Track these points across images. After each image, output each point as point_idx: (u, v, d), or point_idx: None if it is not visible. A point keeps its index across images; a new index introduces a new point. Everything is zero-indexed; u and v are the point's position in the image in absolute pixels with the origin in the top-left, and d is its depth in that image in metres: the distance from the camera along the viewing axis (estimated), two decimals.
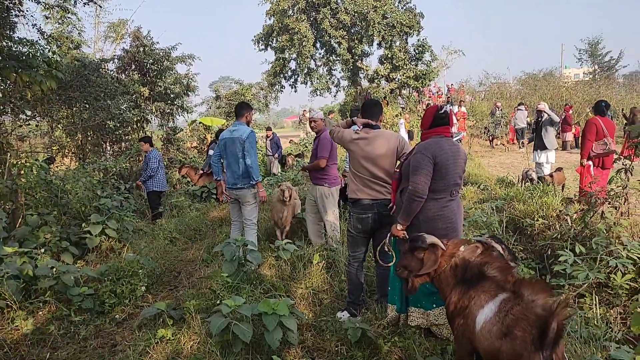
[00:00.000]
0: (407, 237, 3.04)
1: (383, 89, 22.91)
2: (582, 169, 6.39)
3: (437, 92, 25.20)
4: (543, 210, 6.03)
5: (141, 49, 13.15)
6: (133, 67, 13.38)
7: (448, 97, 22.92)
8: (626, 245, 4.23)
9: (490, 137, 17.85)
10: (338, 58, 23.41)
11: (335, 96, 26.47)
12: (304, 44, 21.69)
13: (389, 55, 21.92)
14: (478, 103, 24.21)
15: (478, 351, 2.07)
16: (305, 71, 24.13)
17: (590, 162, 6.31)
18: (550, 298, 1.84)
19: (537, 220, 5.76)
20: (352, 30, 22.88)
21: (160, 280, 5.10)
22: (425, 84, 22.20)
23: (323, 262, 4.65)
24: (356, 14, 21.40)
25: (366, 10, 20.98)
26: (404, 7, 22.45)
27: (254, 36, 24.06)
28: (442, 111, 3.21)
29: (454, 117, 16.88)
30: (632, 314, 1.27)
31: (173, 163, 12.82)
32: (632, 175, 4.90)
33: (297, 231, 6.30)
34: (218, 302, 3.49)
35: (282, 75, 24.58)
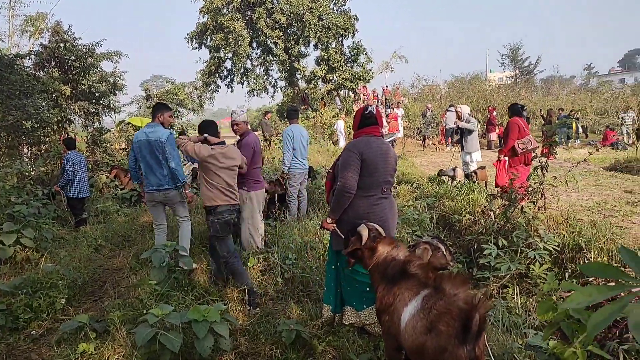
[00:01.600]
0: (338, 231, 3.11)
1: (320, 90, 23.09)
2: (499, 163, 6.80)
3: (373, 94, 25.84)
4: (470, 206, 6.32)
5: (62, 45, 12.25)
6: (53, 63, 12.41)
7: (385, 99, 23.52)
8: (543, 237, 4.55)
9: (423, 138, 18.56)
10: (275, 58, 23.24)
11: (272, 97, 26.28)
12: (239, 43, 21.31)
13: (325, 57, 22.12)
14: (411, 105, 25.08)
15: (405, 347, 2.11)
16: (241, 71, 23.70)
17: (506, 158, 6.74)
18: (471, 291, 1.91)
19: (465, 216, 6.03)
20: (289, 31, 22.83)
21: (83, 292, 4.76)
22: (359, 85, 22.65)
23: (259, 264, 4.57)
24: (292, 15, 21.39)
25: (302, 11, 21.03)
26: (339, 10, 22.76)
27: (187, 34, 23.28)
28: (367, 112, 3.34)
29: (384, 119, 17.45)
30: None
31: (99, 166, 12.07)
32: (547, 172, 5.27)
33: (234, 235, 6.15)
34: (145, 311, 3.30)
35: (217, 75, 23.97)
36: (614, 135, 16.58)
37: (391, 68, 24.89)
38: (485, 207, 5.83)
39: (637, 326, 0.81)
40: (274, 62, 23.74)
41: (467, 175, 8.15)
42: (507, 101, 24.05)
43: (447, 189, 7.56)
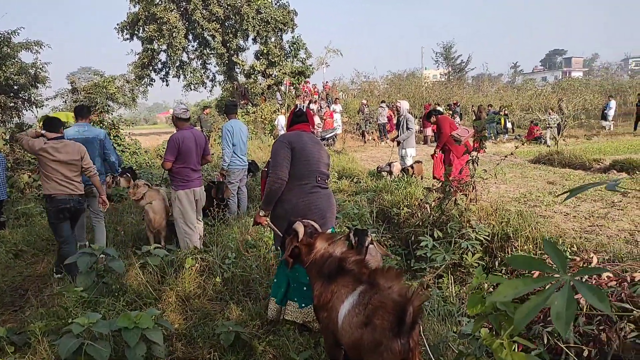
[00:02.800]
0: (271, 225, 3.09)
1: (260, 84, 22.80)
2: (436, 158, 7.07)
3: (314, 89, 25.93)
4: (407, 200, 6.49)
5: None
6: None
7: (326, 94, 23.65)
8: (475, 228, 4.75)
9: (362, 133, 18.91)
10: (212, 52, 22.64)
11: (211, 91, 25.62)
12: (174, 35, 20.52)
13: (265, 51, 21.88)
14: (351, 100, 25.44)
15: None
16: (177, 64, 22.86)
17: (442, 153, 7.02)
18: (405, 284, 1.93)
19: (403, 209, 6.18)
20: (227, 24, 22.31)
21: (0, 302, 4.36)
22: (301, 81, 22.61)
23: (197, 265, 4.40)
24: (229, 7, 20.91)
25: (239, 4, 20.61)
26: (278, 4, 22.56)
27: (118, 24, 22.08)
28: (298, 110, 3.45)
29: (317, 117, 17.64)
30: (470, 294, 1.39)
31: (20, 165, 11.12)
32: (478, 165, 5.52)
33: (171, 235, 5.90)
34: (70, 320, 3.07)
35: (151, 68, 22.95)
36: (537, 130, 17.75)
37: (326, 63, 25.07)
38: (421, 200, 6.01)
39: (559, 316, 0.82)
40: (211, 55, 23.13)
41: (404, 170, 8.38)
42: (441, 97, 25.08)
43: (386, 183, 7.73)
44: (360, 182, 8.65)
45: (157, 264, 4.29)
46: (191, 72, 23.30)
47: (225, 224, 5.76)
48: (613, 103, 20.25)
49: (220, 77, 24.70)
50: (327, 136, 16.56)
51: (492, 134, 17.94)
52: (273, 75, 22.35)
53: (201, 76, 23.68)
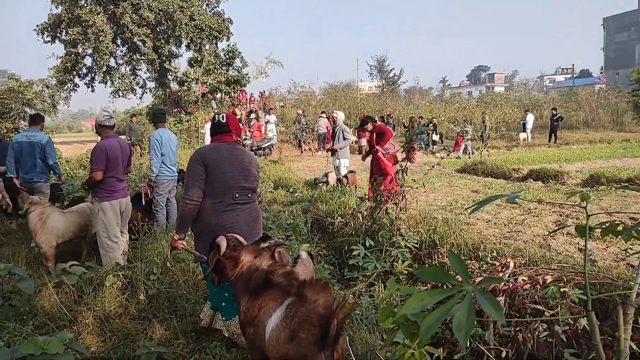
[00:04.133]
0: (188, 249, 2.97)
1: (194, 92, 22.21)
2: (379, 156, 7.35)
3: (251, 98, 25.70)
4: (341, 209, 6.56)
5: None
6: None
7: (262, 104, 23.49)
8: (404, 236, 4.89)
9: (299, 143, 18.99)
10: (143, 57, 21.74)
11: (141, 98, 24.52)
12: (101, 39, 19.45)
13: (199, 59, 21.37)
14: (288, 110, 25.51)
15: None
16: (104, 69, 21.67)
17: (371, 163, 7.29)
18: (331, 296, 1.92)
19: (337, 218, 6.23)
20: (158, 29, 21.55)
21: None
22: (237, 90, 22.32)
23: (118, 283, 4.13)
24: (161, 12, 20.21)
25: (172, 10, 20.00)
26: (212, 11, 22.18)
27: (38, 26, 20.58)
28: (217, 120, 3.30)
29: (247, 129, 17.52)
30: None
31: None
32: (407, 175, 5.71)
33: (92, 251, 5.52)
34: None
35: (75, 73, 21.55)
36: (462, 142, 18.77)
37: (266, 73, 25.02)
38: (354, 209, 6.10)
39: (460, 327, 0.83)
40: (141, 61, 22.20)
41: (338, 180, 8.48)
42: (375, 109, 25.86)
43: (321, 193, 7.78)
44: (296, 192, 8.64)
45: (74, 283, 3.97)
46: (119, 78, 22.19)
47: (152, 237, 5.49)
48: (530, 116, 21.92)
49: (151, 84, 23.77)
50: (263, 146, 16.45)
51: (422, 145, 18.73)
52: (208, 83, 21.85)
53: (130, 82, 22.61)
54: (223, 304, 3.10)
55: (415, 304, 0.90)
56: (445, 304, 0.87)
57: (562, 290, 2.99)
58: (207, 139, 16.73)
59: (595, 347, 1.05)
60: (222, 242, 2.35)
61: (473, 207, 1.14)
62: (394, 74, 49.67)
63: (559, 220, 5.93)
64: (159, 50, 21.44)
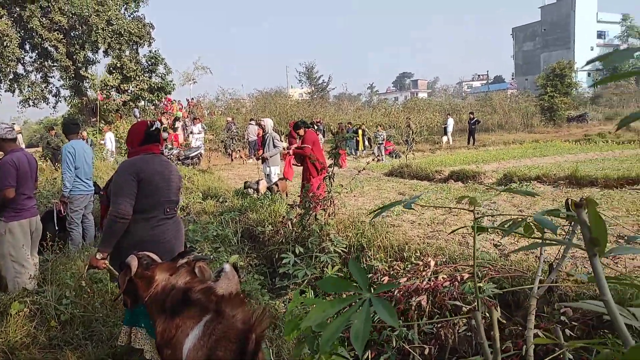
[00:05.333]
0: (112, 269, 2.77)
1: (114, 100, 21.06)
2: (288, 160, 7.49)
3: (178, 106, 24.86)
4: (272, 217, 6.52)
5: None
6: None
7: (189, 111, 22.77)
8: (333, 241, 4.94)
9: (229, 151, 18.66)
10: (55, 64, 20.25)
11: (55, 107, 22.81)
12: (6, 44, 17.86)
13: (119, 65, 20.29)
14: (217, 118, 24.99)
15: None
16: (10, 76, 19.91)
17: (292, 155, 7.51)
18: (249, 310, 1.87)
19: (267, 227, 6.18)
20: (72, 34, 20.20)
21: None
22: (161, 97, 21.48)
23: (26, 310, 3.78)
24: (74, 16, 18.97)
25: (87, 14, 18.84)
26: (131, 16, 21.22)
27: None
28: (154, 128, 3.09)
29: (181, 136, 17.00)
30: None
31: None
32: (334, 181, 5.79)
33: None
34: None
35: None
36: (390, 146, 19.48)
37: (194, 80, 24.34)
38: (284, 217, 6.08)
39: (357, 334, 0.83)
40: (54, 68, 20.67)
41: (269, 188, 8.43)
42: (305, 115, 26.07)
43: (252, 201, 7.68)
44: (226, 202, 8.46)
45: None
46: (29, 86, 20.49)
47: (66, 257, 5.10)
48: (451, 120, 23.23)
49: (65, 92, 22.18)
50: (191, 155, 15.96)
51: (352, 150, 19.17)
52: (129, 91, 20.81)
53: (42, 91, 20.95)
54: (143, 317, 2.94)
55: (317, 315, 0.90)
56: (344, 313, 0.88)
57: (478, 285, 3.17)
58: (111, 149, 15.86)
59: (480, 345, 1.10)
60: (133, 261, 2.21)
61: (375, 213, 1.18)
62: (323, 80, 50.51)
63: (477, 218, 6.30)
64: (74, 57, 20.10)
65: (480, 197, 7.41)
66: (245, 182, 9.26)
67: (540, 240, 1.00)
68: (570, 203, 2.07)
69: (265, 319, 1.77)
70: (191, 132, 17.22)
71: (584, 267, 3.99)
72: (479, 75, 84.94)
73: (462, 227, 1.39)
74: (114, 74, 20.34)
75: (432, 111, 28.68)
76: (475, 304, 3.11)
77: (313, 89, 47.67)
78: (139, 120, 20.61)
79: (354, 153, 19.31)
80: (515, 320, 3.26)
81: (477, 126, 22.83)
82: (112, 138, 16.07)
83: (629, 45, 53.65)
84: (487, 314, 3.12)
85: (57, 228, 5.93)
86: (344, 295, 0.94)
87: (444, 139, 22.42)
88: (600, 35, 56.44)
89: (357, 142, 20.08)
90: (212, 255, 5.14)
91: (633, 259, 4.12)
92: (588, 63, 0.66)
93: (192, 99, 24.74)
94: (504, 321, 3.05)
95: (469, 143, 21.66)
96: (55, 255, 4.83)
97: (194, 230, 5.76)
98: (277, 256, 5.34)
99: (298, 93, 46.69)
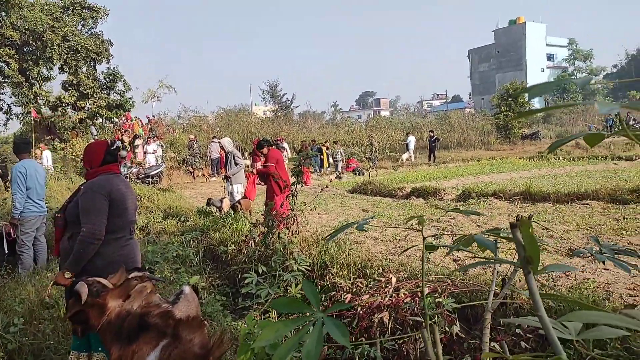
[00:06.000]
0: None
1: (70, 118, 20.35)
2: (250, 177, 7.50)
3: (139, 123, 24.29)
4: (235, 236, 6.43)
5: None
6: None
7: (150, 129, 22.28)
8: (297, 259, 4.92)
9: (191, 169, 18.34)
10: (6, 80, 19.43)
11: (5, 125, 21.82)
12: None
13: (75, 82, 19.69)
14: (179, 135, 24.59)
15: None
16: None
17: (256, 174, 7.51)
18: (208, 334, 1.84)
19: (230, 246, 6.09)
20: (25, 49, 19.49)
21: None
22: (120, 115, 20.94)
23: None
24: (28, 32, 18.33)
25: (41, 29, 18.24)
26: (89, 32, 20.73)
27: None
28: (114, 147, 3.12)
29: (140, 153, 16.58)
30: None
31: None
32: (297, 199, 5.79)
33: None
34: None
35: None
36: (353, 163, 19.72)
37: (157, 97, 23.92)
38: (246, 236, 6.01)
39: (309, 355, 0.84)
40: (5, 84, 19.81)
41: (232, 206, 8.33)
42: (270, 133, 26.08)
43: (215, 220, 7.56)
44: (187, 221, 8.29)
45: None
46: None
47: (16, 282, 4.84)
48: (412, 138, 23.81)
49: (18, 109, 21.28)
50: (152, 173, 15.58)
51: (316, 168, 19.27)
52: (86, 108, 20.18)
53: None
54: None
55: (269, 335, 0.90)
56: (297, 333, 0.88)
57: (437, 300, 3.23)
58: (48, 165, 15.16)
59: None
60: (82, 288, 2.12)
61: (329, 236, 1.21)
62: (287, 98, 50.75)
63: (436, 234, 6.44)
64: (27, 73, 19.35)
65: (440, 213, 7.59)
66: (209, 200, 9.12)
67: (483, 259, 1.04)
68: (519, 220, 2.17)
69: (224, 343, 1.74)
70: (145, 152, 16.79)
71: (538, 281, 4.15)
72: (438, 95, 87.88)
73: (413, 246, 1.44)
74: (70, 91, 19.71)
75: (394, 129, 29.33)
76: (433, 320, 3.17)
77: (277, 106, 47.80)
78: (96, 138, 20.04)
79: (318, 170, 19.41)
80: (474, 334, 3.34)
81: (437, 144, 23.49)
82: (49, 157, 15.52)
83: (575, 68, 57.11)
84: (447, 328, 3.18)
85: (6, 251, 5.65)
86: (299, 315, 0.95)
87: (404, 156, 22.89)
88: (550, 57, 59.86)
89: (322, 159, 20.20)
90: (172, 277, 5.01)
91: (582, 272, 4.32)
92: (520, 92, 0.71)
93: (153, 116, 24.24)
94: (463, 335, 3.12)
95: (429, 160, 22.23)
96: (3, 280, 4.58)
97: (153, 251, 5.60)
98: (239, 276, 5.27)
99: (262, 111, 46.67)
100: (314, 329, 0.86)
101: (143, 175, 15.06)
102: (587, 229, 6.12)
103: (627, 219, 6.51)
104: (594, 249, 1.69)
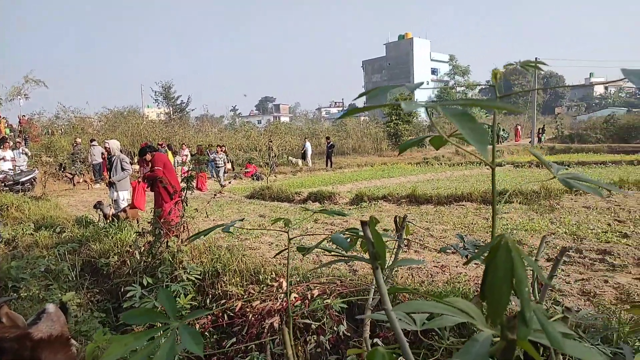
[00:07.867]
0: None
1: None
2: (138, 185, 7.09)
3: (6, 124, 21.45)
4: (118, 247, 5.97)
5: None
6: None
7: (21, 129, 19.84)
8: (187, 268, 4.71)
9: (71, 175, 16.66)
10: None
11: None
12: None
13: None
14: (57, 138, 22.24)
15: None
16: None
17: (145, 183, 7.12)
18: (73, 354, 1.66)
19: (113, 258, 5.65)
20: None
21: None
22: None
23: None
24: None
25: None
26: None
27: None
28: None
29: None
30: None
31: None
32: (188, 205, 5.56)
33: None
34: None
35: None
36: (250, 168, 19.55)
37: (25, 95, 21.35)
38: (131, 246, 5.62)
39: None
40: None
41: (115, 215, 7.70)
42: (162, 136, 24.78)
43: (96, 230, 6.94)
44: (64, 232, 7.49)
45: None
46: None
47: None
48: (308, 144, 24.31)
49: None
50: (22, 180, 13.84)
51: (213, 173, 18.72)
52: None
53: None
54: None
55: (117, 350, 0.82)
56: (149, 345, 0.82)
57: (326, 302, 3.30)
58: None
59: None
60: None
61: (192, 237, 1.18)
62: (182, 101, 48.61)
63: (302, 235, 6.59)
64: None
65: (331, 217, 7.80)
66: (98, 202, 8.23)
67: (338, 257, 1.07)
68: (397, 220, 2.28)
69: None
70: (2, 158, 13.84)
71: (418, 277, 4.47)
72: (335, 102, 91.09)
73: (284, 250, 1.44)
74: None
75: (292, 135, 29.68)
76: (322, 321, 3.24)
77: (171, 109, 45.58)
78: None
79: (215, 176, 18.87)
80: (361, 332, 3.47)
81: (333, 150, 24.25)
82: None
83: (455, 82, 63.07)
84: (335, 328, 3.26)
85: None
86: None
87: (299, 161, 23.27)
88: (434, 71, 65.45)
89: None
90: (41, 295, 4.48)
91: (457, 267, 4.74)
92: (358, 97, 0.74)
93: (24, 116, 21.61)
94: (349, 334, 3.22)
95: (327, 165, 22.87)
96: None
97: (17, 267, 4.95)
98: (122, 289, 4.90)
99: (156, 113, 44.10)
100: (168, 339, 0.81)
101: (11, 182, 13.32)
102: (462, 228, 6.74)
103: None
104: (459, 245, 1.84)
